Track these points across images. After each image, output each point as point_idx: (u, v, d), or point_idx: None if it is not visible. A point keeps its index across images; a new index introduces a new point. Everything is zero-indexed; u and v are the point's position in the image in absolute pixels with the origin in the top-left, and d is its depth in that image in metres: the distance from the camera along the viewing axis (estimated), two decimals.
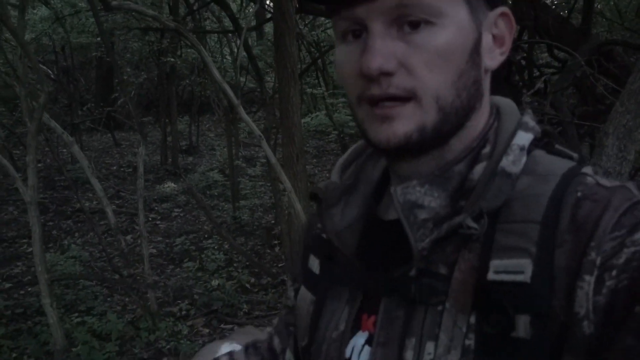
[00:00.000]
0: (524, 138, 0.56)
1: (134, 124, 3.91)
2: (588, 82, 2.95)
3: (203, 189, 6.70)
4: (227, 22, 6.73)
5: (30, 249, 4.59)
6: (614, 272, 0.45)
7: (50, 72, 8.97)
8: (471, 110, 0.55)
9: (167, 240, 5.36)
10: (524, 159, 0.54)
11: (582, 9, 4.22)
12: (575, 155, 0.57)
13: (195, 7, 4.50)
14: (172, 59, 6.29)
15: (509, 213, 0.52)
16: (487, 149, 0.56)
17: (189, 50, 6.23)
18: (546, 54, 4.83)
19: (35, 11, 7.35)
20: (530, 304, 0.48)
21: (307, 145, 8.25)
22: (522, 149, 0.55)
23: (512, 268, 0.49)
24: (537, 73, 4.38)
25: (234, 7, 5.89)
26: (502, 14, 0.56)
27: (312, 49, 6.70)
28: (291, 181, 3.40)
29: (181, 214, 6.14)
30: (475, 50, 0.54)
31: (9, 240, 5.41)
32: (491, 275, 0.50)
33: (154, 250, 5.07)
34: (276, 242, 5.24)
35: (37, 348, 3.31)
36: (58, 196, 6.68)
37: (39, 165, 7.72)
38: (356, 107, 0.56)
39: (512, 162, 0.54)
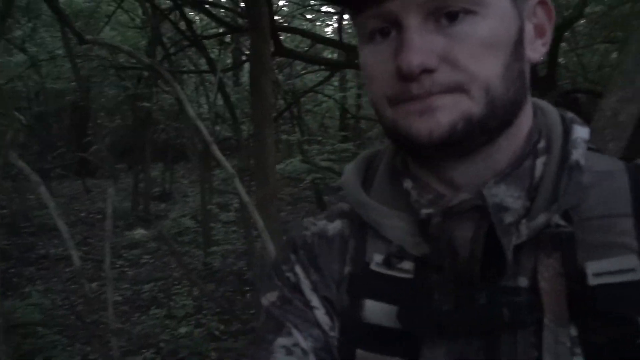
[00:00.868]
0: (584, 132, 0.53)
1: (106, 168, 3.85)
2: None
3: (174, 235, 6.56)
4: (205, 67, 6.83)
5: None
6: None
7: (22, 117, 8.86)
8: (518, 106, 0.51)
9: (134, 287, 5.17)
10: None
11: (548, 61, 4.44)
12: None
13: (172, 51, 4.55)
14: (148, 104, 6.29)
15: (584, 209, 0.49)
16: (542, 144, 0.52)
17: (164, 96, 6.25)
18: None
19: (11, 58, 7.33)
20: None
21: (282, 192, 8.22)
22: (586, 142, 0.52)
23: (618, 267, 0.46)
24: None
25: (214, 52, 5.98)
26: (541, 2, 0.53)
27: (287, 97, 6.80)
28: (264, 222, 3.35)
29: (150, 261, 5.96)
30: (519, 41, 0.50)
31: None
32: (592, 280, 0.46)
33: (120, 298, 4.88)
34: (247, 288, 5.11)
35: None
36: (22, 242, 6.45)
37: (4, 211, 7.48)
38: (385, 109, 0.50)
39: (582, 155, 0.51)
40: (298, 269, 0.57)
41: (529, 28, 0.51)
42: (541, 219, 0.47)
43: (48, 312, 4.46)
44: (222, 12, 5.48)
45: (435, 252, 0.50)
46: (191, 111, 2.71)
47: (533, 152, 0.52)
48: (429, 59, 0.45)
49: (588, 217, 0.48)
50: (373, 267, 0.54)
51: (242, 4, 3.76)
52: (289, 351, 0.53)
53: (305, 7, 6.73)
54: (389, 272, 0.53)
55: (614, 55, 5.00)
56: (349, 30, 6.24)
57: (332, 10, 7.30)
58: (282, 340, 0.54)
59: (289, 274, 0.58)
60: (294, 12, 7.34)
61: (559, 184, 0.49)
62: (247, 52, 4.11)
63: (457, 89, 0.46)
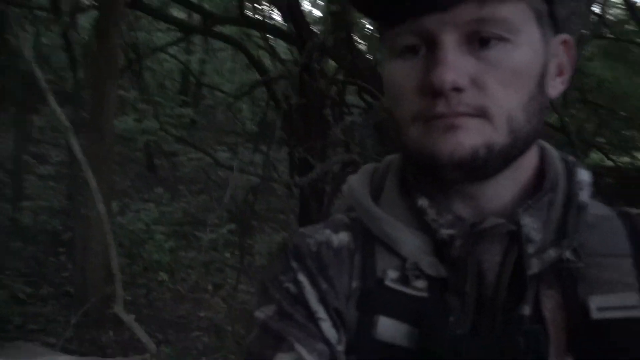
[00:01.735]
0: (587, 175, 0.55)
1: None
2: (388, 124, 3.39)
3: None
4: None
5: None
6: None
7: None
8: (535, 139, 0.52)
9: None
10: None
11: None
12: None
13: None
14: None
15: (588, 247, 0.51)
16: (547, 183, 0.53)
17: None
18: (356, 96, 5.40)
19: None
20: None
21: None
22: (590, 185, 0.54)
23: (621, 304, 0.48)
24: (347, 111, 4.86)
25: None
26: (564, 42, 0.54)
27: (130, 51, 6.34)
28: (96, 182, 3.14)
29: None
30: (543, 75, 0.50)
31: None
32: (596, 314, 0.47)
33: None
34: (62, 249, 4.74)
35: None
36: None
37: None
38: (408, 126, 0.50)
39: (587, 197, 0.53)
40: (302, 278, 0.54)
41: (552, 64, 0.52)
42: (553, 253, 0.50)
43: None
44: None
45: (457, 274, 0.51)
46: (29, 54, 2.42)
47: (553, 189, 0.53)
48: (461, 78, 0.46)
49: (592, 254, 0.51)
50: (388, 283, 0.52)
51: None
52: None
53: None
54: (404, 290, 0.52)
55: None
56: None
57: None
58: (282, 357, 0.50)
59: (288, 285, 0.54)
60: None
61: (566, 221, 0.51)
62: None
63: (482, 114, 0.47)
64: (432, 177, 0.53)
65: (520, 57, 0.47)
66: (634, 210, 0.56)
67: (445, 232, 0.51)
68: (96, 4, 3.79)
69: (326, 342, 0.51)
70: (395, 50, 0.50)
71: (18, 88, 5.66)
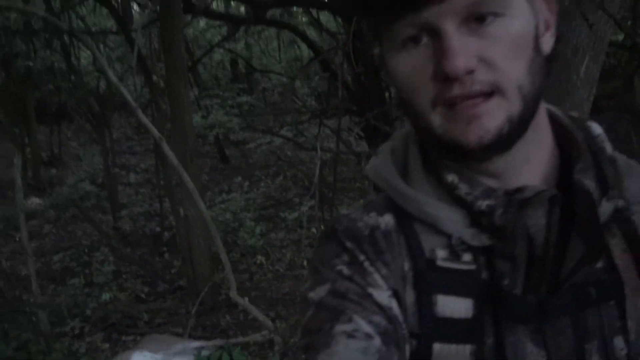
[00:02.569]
0: (600, 129, 0.59)
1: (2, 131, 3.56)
2: None
3: (74, 202, 6.25)
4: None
5: None
6: None
7: None
8: (540, 97, 0.55)
9: (42, 260, 4.94)
10: None
11: None
12: None
13: (72, 4, 4.22)
14: (29, 62, 5.76)
15: (629, 195, 0.56)
16: (582, 144, 0.57)
17: (51, 52, 5.76)
18: None
19: None
20: None
21: None
22: (607, 137, 0.59)
23: None
24: None
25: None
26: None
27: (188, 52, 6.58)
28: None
29: (53, 230, 5.68)
30: (537, 36, 0.53)
31: None
32: None
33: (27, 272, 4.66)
34: (164, 249, 5.11)
35: None
36: None
37: None
38: (429, 113, 0.52)
39: (611, 149, 0.58)
40: (362, 258, 0.56)
41: (540, 23, 0.55)
42: (608, 205, 0.53)
43: None
44: None
45: (504, 241, 0.53)
46: (114, 77, 2.64)
47: (592, 147, 0.57)
48: (470, 60, 0.49)
49: (635, 201, 0.55)
50: (440, 263, 0.54)
51: None
52: (350, 335, 0.51)
53: None
54: (456, 266, 0.54)
55: None
56: None
57: None
58: (341, 327, 0.51)
59: (341, 267, 0.56)
60: None
61: (604, 174, 0.55)
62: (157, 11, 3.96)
63: (495, 89, 0.50)
64: (457, 159, 0.55)
65: (516, 27, 0.50)
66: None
67: (483, 203, 0.54)
68: (156, 13, 3.98)
69: (385, 314, 0.53)
70: (396, 44, 0.52)
71: (89, 106, 6.06)
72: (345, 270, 0.55)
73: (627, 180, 0.56)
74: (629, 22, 3.72)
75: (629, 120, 4.68)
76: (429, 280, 0.54)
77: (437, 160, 0.58)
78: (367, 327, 0.51)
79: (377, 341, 0.51)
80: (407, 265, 0.56)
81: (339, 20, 5.83)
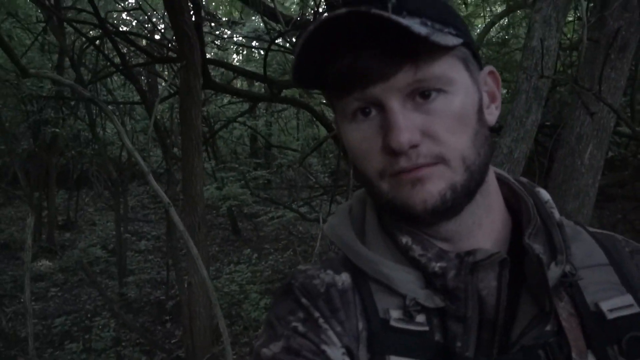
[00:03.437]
0: (547, 195, 0.61)
1: (20, 194, 3.70)
2: None
3: (82, 265, 6.29)
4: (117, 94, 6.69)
5: None
6: None
7: None
8: (487, 165, 0.57)
9: (43, 322, 4.91)
10: None
11: None
12: None
13: (100, 76, 4.50)
14: (56, 130, 6.05)
15: (576, 259, 0.57)
16: (532, 210, 0.59)
17: (77, 121, 6.05)
18: None
19: None
20: None
21: None
22: (553, 203, 0.61)
23: (623, 304, 0.54)
24: None
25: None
26: (490, 72, 0.60)
27: (204, 124, 6.85)
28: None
29: (59, 294, 5.67)
30: (480, 109, 0.56)
31: None
32: (609, 315, 0.53)
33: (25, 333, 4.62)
34: (167, 317, 5.05)
35: None
36: None
37: None
38: (377, 182, 0.55)
39: (558, 215, 0.60)
40: (317, 315, 0.56)
41: (484, 96, 0.58)
42: (556, 269, 0.54)
43: None
44: (148, 42, 5.50)
45: (456, 302, 0.54)
46: (128, 143, 2.76)
47: (542, 213, 0.59)
48: (414, 135, 0.51)
49: (582, 266, 0.57)
50: (393, 323, 0.54)
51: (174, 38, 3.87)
52: None
53: (238, 45, 6.87)
54: (409, 327, 0.54)
55: (505, 93, 5.67)
56: (274, 65, 6.48)
57: (257, 45, 7.51)
58: None
59: (296, 324, 0.56)
60: (225, 47, 7.47)
61: (552, 239, 0.57)
62: (177, 86, 4.21)
63: (440, 160, 0.52)
64: (408, 222, 0.57)
65: (459, 103, 0.53)
66: (586, 226, 0.63)
67: (436, 265, 0.55)
68: (175, 89, 4.21)
69: None
70: (347, 115, 0.55)
71: (109, 174, 6.26)
72: (300, 327, 0.56)
73: (573, 245, 0.58)
74: (628, 112, 3.81)
75: None
76: (382, 340, 0.54)
77: (391, 223, 0.60)
78: None
79: None
80: (361, 325, 0.56)
81: None
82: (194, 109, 3.70)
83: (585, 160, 3.15)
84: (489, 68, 0.60)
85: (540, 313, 0.53)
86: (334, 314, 0.56)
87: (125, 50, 4.16)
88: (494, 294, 0.55)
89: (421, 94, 0.52)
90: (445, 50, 0.52)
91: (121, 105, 5.86)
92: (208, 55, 7.06)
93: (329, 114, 8.15)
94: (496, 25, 6.38)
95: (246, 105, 7.32)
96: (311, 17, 5.41)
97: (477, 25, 7.09)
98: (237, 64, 8.13)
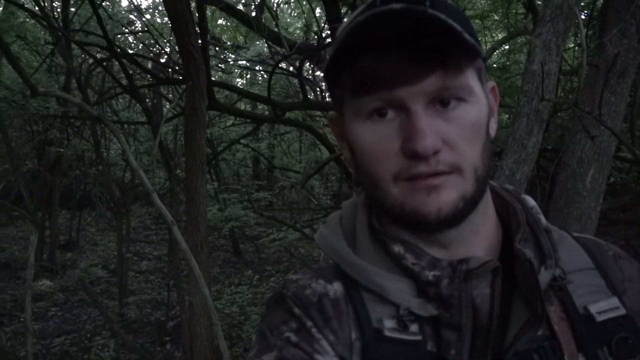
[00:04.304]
0: (533, 201, 0.63)
1: (24, 212, 3.72)
2: None
3: (82, 283, 6.27)
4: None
5: None
6: None
7: None
8: (488, 179, 0.58)
9: (42, 342, 4.87)
10: None
11: None
12: None
13: (107, 97, 4.57)
14: (60, 150, 6.10)
15: (564, 264, 0.58)
16: (521, 216, 0.60)
17: (82, 141, 6.11)
18: None
19: None
20: (636, 329, 0.56)
21: None
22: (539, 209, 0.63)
23: (610, 306, 0.56)
24: None
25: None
26: (492, 88, 0.61)
27: (207, 146, 6.91)
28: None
29: (59, 313, 5.64)
30: (488, 123, 0.57)
31: None
32: (599, 317, 0.55)
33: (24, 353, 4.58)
34: (167, 338, 5.01)
35: None
36: None
37: None
38: (388, 185, 0.54)
39: (545, 220, 0.61)
40: (309, 325, 0.56)
41: (489, 110, 0.59)
42: (545, 274, 0.55)
43: None
44: (154, 65, 5.59)
45: (450, 310, 0.54)
46: (134, 162, 2.80)
47: (529, 218, 0.60)
48: (437, 142, 0.51)
49: (570, 270, 0.58)
50: (387, 333, 0.54)
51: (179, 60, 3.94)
52: None
53: (242, 68, 6.97)
54: (403, 337, 0.54)
55: (507, 118, 5.72)
56: (277, 88, 6.57)
57: (261, 69, 7.62)
58: None
59: (289, 334, 0.55)
60: (230, 71, 7.58)
61: (540, 244, 0.58)
62: (181, 106, 4.27)
63: (455, 169, 0.53)
64: (412, 229, 0.57)
65: (475, 113, 0.54)
66: (570, 231, 0.64)
67: (429, 273, 0.55)
68: (180, 110, 4.27)
69: None
70: (362, 114, 0.54)
71: (112, 194, 6.29)
72: (293, 337, 0.55)
73: (560, 250, 0.59)
74: (629, 137, 3.84)
75: None
76: (376, 350, 0.54)
77: (383, 231, 0.60)
78: None
79: None
80: (354, 334, 0.55)
81: None
82: (199, 130, 3.74)
83: (587, 184, 3.17)
84: (491, 83, 0.62)
85: (532, 317, 0.53)
86: (327, 323, 0.56)
87: (131, 72, 4.23)
88: (487, 301, 0.55)
89: (441, 101, 0.53)
90: (473, 58, 0.52)
91: (125, 126, 5.92)
92: (213, 79, 7.18)
93: (332, 137, 8.22)
94: (497, 52, 6.49)
95: (249, 128, 7.39)
96: (314, 42, 5.50)
97: None
98: (241, 87, 8.24)
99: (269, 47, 5.31)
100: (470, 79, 0.54)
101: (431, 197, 0.52)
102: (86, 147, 6.37)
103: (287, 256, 7.37)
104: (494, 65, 6.29)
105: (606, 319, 0.55)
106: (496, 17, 6.15)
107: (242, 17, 5.13)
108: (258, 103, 8.06)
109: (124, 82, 4.16)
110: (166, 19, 6.93)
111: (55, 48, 5.11)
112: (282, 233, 6.83)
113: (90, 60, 4.22)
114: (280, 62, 4.77)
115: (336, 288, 0.58)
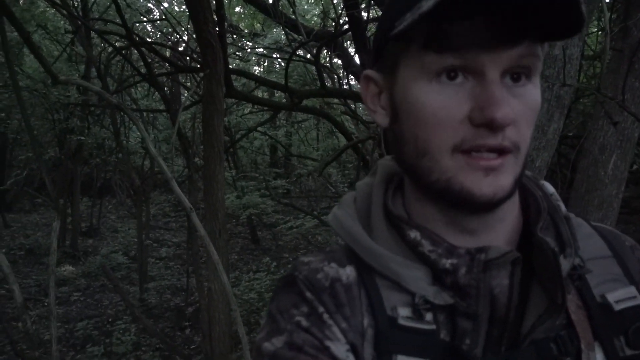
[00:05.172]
0: (552, 187, 0.61)
1: (47, 199, 3.79)
2: None
3: (104, 269, 6.40)
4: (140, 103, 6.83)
5: None
6: None
7: None
8: None
9: (66, 326, 4.99)
10: None
11: None
12: None
13: (126, 85, 4.62)
14: (81, 138, 6.19)
15: (582, 252, 0.56)
16: (543, 203, 0.59)
17: (102, 129, 6.19)
18: None
19: None
20: None
21: None
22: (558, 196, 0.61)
23: (628, 295, 0.55)
24: None
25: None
26: None
27: (225, 134, 6.95)
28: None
29: (81, 298, 5.77)
30: None
31: None
32: (616, 306, 0.54)
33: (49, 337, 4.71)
34: (187, 323, 5.10)
35: None
36: None
37: None
38: (442, 156, 0.50)
39: (565, 208, 0.59)
40: (321, 310, 0.54)
41: None
42: (568, 261, 0.53)
43: None
44: (172, 53, 5.62)
45: (467, 299, 0.52)
46: (153, 149, 2.82)
47: (551, 207, 0.58)
48: (511, 115, 0.48)
49: (588, 258, 0.56)
50: (401, 322, 0.52)
51: (197, 48, 3.96)
52: None
53: (259, 56, 6.97)
54: (418, 326, 0.52)
55: None
56: (295, 76, 6.56)
57: (279, 56, 7.60)
58: None
59: (299, 318, 0.53)
60: (247, 59, 7.59)
61: (560, 232, 0.56)
62: (199, 94, 4.30)
63: (516, 149, 0.50)
64: (451, 207, 0.54)
65: (538, 95, 0.51)
66: (588, 219, 0.62)
67: (447, 261, 0.53)
68: (198, 97, 4.30)
69: None
70: (429, 72, 0.49)
71: (132, 182, 6.39)
72: (304, 322, 0.53)
73: (580, 239, 0.57)
74: None
75: None
76: (390, 339, 0.52)
77: (399, 216, 0.57)
78: None
79: None
80: (366, 321, 0.54)
81: None
82: (217, 117, 3.76)
83: (608, 171, 3.12)
84: None
85: (551, 306, 0.52)
86: (339, 309, 0.54)
87: (150, 60, 4.27)
88: (505, 291, 0.52)
89: (512, 75, 0.49)
90: (574, 33, 0.49)
91: (144, 114, 5.98)
92: (230, 66, 7.19)
93: (349, 124, 8.19)
94: None
95: (267, 116, 7.41)
96: (332, 29, 5.47)
97: None
98: (259, 74, 8.24)
99: (286, 34, 5.30)
100: (542, 58, 0.51)
101: (488, 180, 0.49)
102: (106, 135, 6.45)
103: (305, 243, 7.41)
104: None
105: (624, 307, 0.53)
106: None
107: (259, 5, 5.13)
108: (275, 91, 8.06)
109: (143, 70, 4.19)
110: (184, 7, 6.96)
111: (75, 37, 5.16)
112: (300, 220, 6.87)
113: (110, 49, 4.26)
114: (297, 49, 4.76)
115: (349, 272, 0.56)
